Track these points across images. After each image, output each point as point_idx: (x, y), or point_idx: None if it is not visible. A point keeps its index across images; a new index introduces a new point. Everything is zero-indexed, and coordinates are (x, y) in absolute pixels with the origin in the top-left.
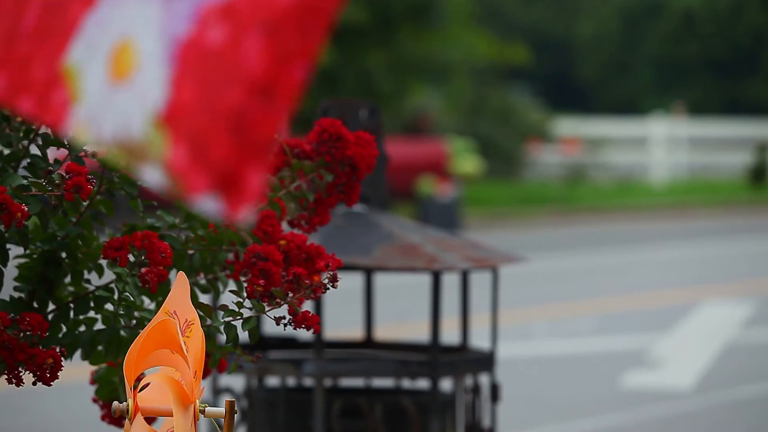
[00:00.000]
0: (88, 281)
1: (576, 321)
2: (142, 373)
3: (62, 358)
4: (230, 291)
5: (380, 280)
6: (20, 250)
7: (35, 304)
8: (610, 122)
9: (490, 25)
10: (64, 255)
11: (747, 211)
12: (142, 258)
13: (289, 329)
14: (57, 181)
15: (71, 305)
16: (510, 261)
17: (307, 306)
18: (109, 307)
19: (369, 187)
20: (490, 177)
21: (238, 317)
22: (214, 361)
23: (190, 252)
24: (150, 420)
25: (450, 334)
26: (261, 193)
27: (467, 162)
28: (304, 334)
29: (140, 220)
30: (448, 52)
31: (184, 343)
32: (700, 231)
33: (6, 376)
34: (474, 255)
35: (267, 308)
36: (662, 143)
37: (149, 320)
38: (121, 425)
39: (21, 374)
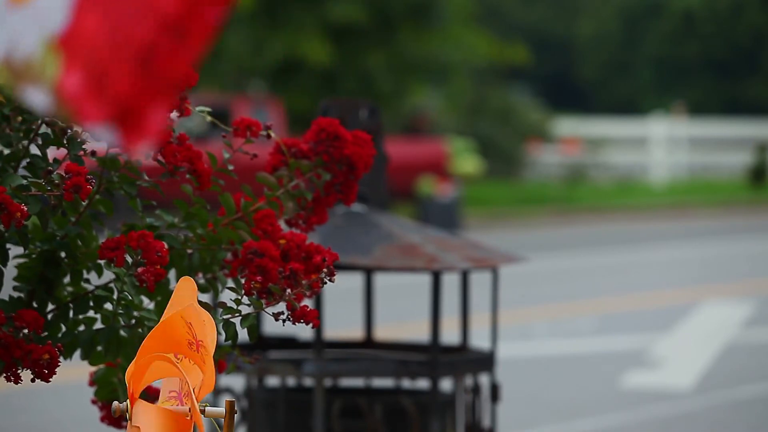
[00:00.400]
0: (88, 281)
1: (576, 321)
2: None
3: (59, 354)
4: (228, 288)
5: (380, 280)
6: (20, 250)
7: (35, 304)
8: (610, 122)
9: (490, 25)
10: (63, 255)
11: (747, 211)
12: (139, 258)
13: (289, 328)
14: (56, 181)
15: (70, 305)
16: (510, 261)
17: (306, 304)
18: (108, 306)
19: (369, 186)
20: (490, 177)
21: (237, 315)
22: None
23: (189, 251)
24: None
25: (450, 334)
26: (161, 130)
27: (467, 162)
28: (304, 334)
29: (139, 219)
30: (448, 52)
31: (197, 339)
32: (700, 231)
33: (4, 375)
34: (474, 255)
35: (265, 305)
36: (662, 143)
37: (148, 320)
38: (120, 426)
39: (19, 372)
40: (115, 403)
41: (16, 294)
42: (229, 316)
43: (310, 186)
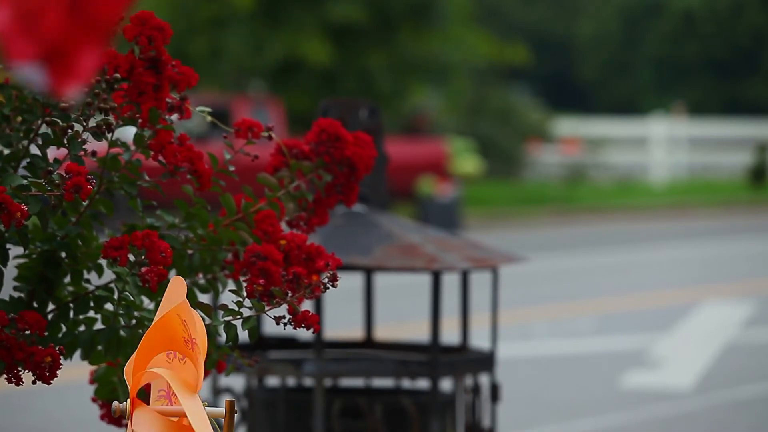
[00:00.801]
0: (88, 281)
1: (576, 321)
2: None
3: (61, 357)
4: (230, 290)
5: (380, 280)
6: (20, 250)
7: (35, 304)
8: (610, 122)
9: (490, 25)
10: (63, 255)
11: (747, 211)
12: (142, 257)
13: (289, 329)
14: (56, 181)
15: (71, 305)
16: (510, 261)
17: (307, 306)
18: (108, 306)
19: (369, 187)
20: (490, 177)
21: (238, 317)
22: (212, 362)
23: (190, 252)
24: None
25: (450, 334)
26: (92, 73)
27: (467, 162)
28: (304, 334)
29: (140, 219)
30: (448, 52)
31: (192, 336)
32: (700, 231)
33: (5, 376)
34: (474, 255)
35: (267, 308)
36: (662, 143)
37: (149, 320)
38: (120, 425)
39: (20, 373)
40: (115, 403)
41: (16, 294)
42: (230, 318)
43: (311, 187)
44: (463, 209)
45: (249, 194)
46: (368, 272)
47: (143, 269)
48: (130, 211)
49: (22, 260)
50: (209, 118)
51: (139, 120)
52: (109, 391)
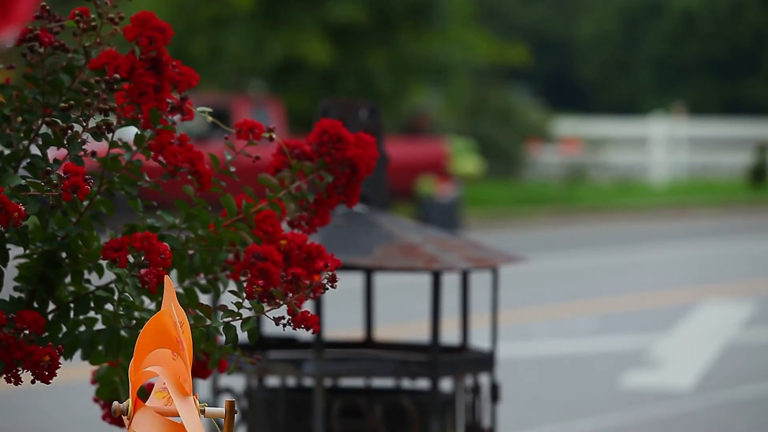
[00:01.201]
0: (88, 281)
1: (576, 321)
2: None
3: (59, 356)
4: (230, 291)
5: (380, 280)
6: (20, 250)
7: (35, 304)
8: (610, 122)
9: (490, 25)
10: (64, 255)
11: (747, 211)
12: (142, 259)
13: (289, 329)
14: (55, 182)
15: (71, 305)
16: (510, 261)
17: (307, 306)
18: (109, 307)
19: (369, 187)
20: (490, 177)
21: (238, 317)
22: (214, 362)
23: (190, 252)
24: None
25: (450, 334)
26: (28, 16)
27: (467, 162)
28: (304, 334)
29: (140, 220)
30: (448, 52)
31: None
32: (700, 231)
33: (4, 375)
34: (474, 255)
35: (266, 308)
36: (662, 143)
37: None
38: (121, 425)
39: (19, 373)
40: (115, 403)
41: (16, 294)
42: (230, 319)
43: (312, 187)
44: (463, 209)
45: (250, 195)
46: (368, 272)
47: (143, 271)
48: (131, 212)
49: (22, 260)
50: (210, 119)
51: (140, 120)
52: (110, 391)
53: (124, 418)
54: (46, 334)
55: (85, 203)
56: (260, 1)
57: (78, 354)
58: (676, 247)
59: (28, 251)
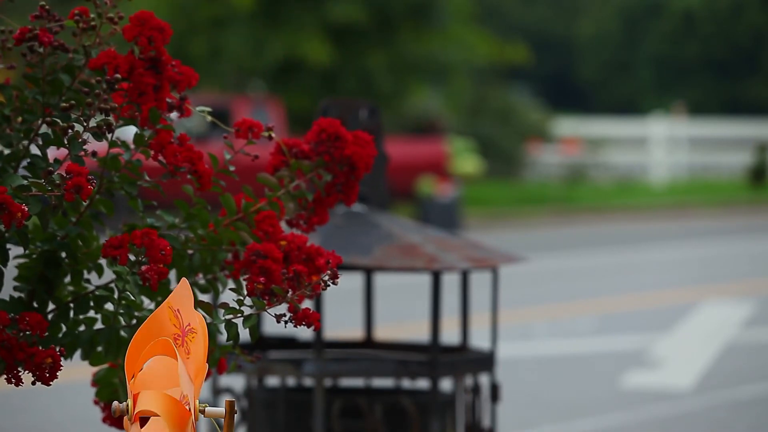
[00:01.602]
0: (88, 281)
1: (576, 321)
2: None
3: (61, 358)
4: (230, 289)
5: (380, 280)
6: (20, 250)
7: (35, 304)
8: (610, 122)
9: (490, 25)
10: (64, 255)
11: (747, 211)
12: (142, 256)
13: (289, 328)
14: (57, 182)
15: (71, 305)
16: (510, 261)
17: (307, 305)
18: (109, 306)
19: (369, 186)
20: (490, 177)
21: (239, 315)
22: (214, 361)
23: (190, 252)
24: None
25: (450, 334)
26: None
27: (467, 162)
28: (304, 334)
29: (140, 219)
30: (448, 52)
31: (186, 345)
32: (700, 231)
33: (5, 376)
34: (474, 255)
35: (267, 306)
36: (662, 143)
37: None
38: (121, 426)
39: (20, 374)
40: (115, 403)
41: (16, 294)
42: (231, 316)
43: (311, 186)
44: (463, 209)
45: (249, 194)
46: (368, 272)
47: (143, 268)
48: (131, 211)
49: (22, 260)
50: (209, 118)
51: (140, 120)
52: (110, 393)
53: (125, 418)
54: (47, 334)
55: (86, 203)
56: (260, 1)
57: (78, 354)
58: (676, 247)
59: (28, 251)
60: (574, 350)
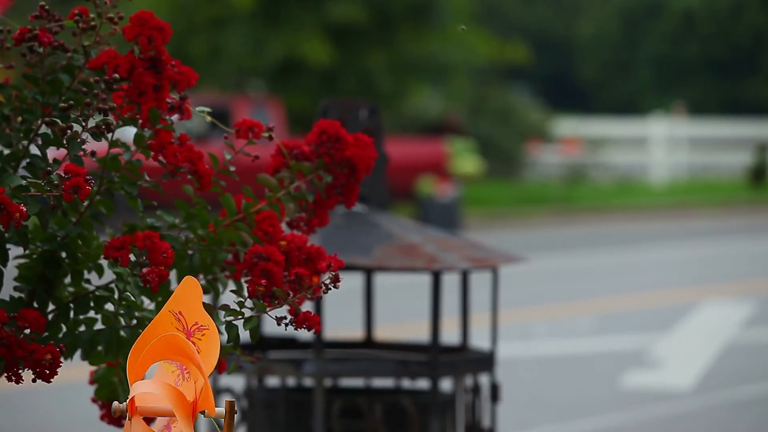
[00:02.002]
0: (88, 281)
1: (576, 321)
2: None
3: (61, 355)
4: (231, 291)
5: (380, 280)
6: (20, 250)
7: (35, 304)
8: (610, 122)
9: (490, 25)
10: (64, 255)
11: (747, 211)
12: (143, 258)
13: (290, 329)
14: (56, 182)
15: (71, 305)
16: (510, 261)
17: (307, 306)
18: (109, 307)
19: (369, 187)
20: (490, 177)
21: (239, 317)
22: None
23: (190, 252)
24: (148, 420)
25: (450, 334)
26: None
27: (467, 162)
28: (304, 334)
29: (140, 220)
30: (448, 52)
31: (195, 345)
32: (700, 231)
33: (5, 374)
34: (474, 255)
35: (268, 308)
36: (662, 143)
37: (149, 320)
38: (120, 425)
39: (20, 372)
40: (115, 403)
41: (16, 294)
42: (232, 318)
43: (311, 188)
44: (463, 209)
45: (249, 195)
46: (368, 272)
47: (144, 270)
48: (131, 211)
49: (22, 260)
50: (209, 118)
51: (140, 120)
52: (109, 392)
53: (124, 419)
54: (47, 333)
55: (85, 203)
56: (260, 1)
57: (78, 354)
58: (676, 247)
59: (28, 251)
60: (574, 350)
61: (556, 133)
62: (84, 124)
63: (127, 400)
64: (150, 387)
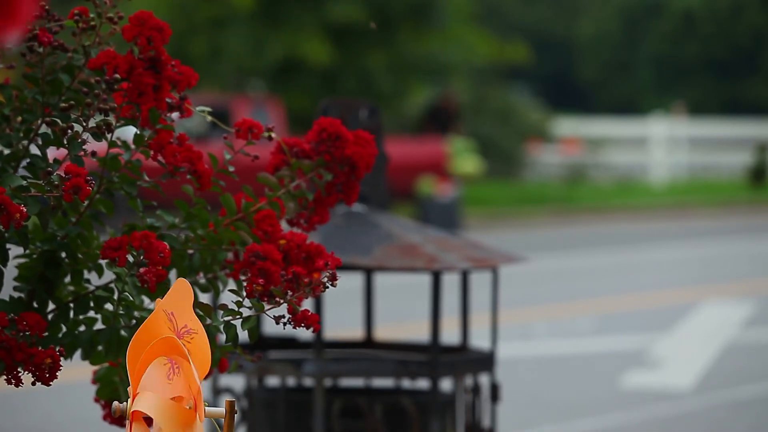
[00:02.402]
0: (88, 281)
1: (576, 321)
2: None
3: (61, 358)
4: (229, 290)
5: (380, 280)
6: (20, 250)
7: (35, 304)
8: (610, 122)
9: (490, 24)
10: (63, 255)
11: (747, 211)
12: (141, 258)
13: (289, 329)
14: (56, 182)
15: (71, 305)
16: (510, 261)
17: (307, 306)
18: (108, 307)
19: (369, 186)
20: (490, 177)
21: (238, 316)
22: (215, 361)
23: (190, 252)
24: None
25: (450, 334)
26: (29, 18)
27: (467, 162)
28: (304, 334)
29: (140, 219)
30: (448, 52)
31: (178, 327)
32: (700, 231)
33: (5, 377)
34: (474, 255)
35: (266, 307)
36: (662, 143)
37: None
38: (121, 425)
39: (20, 374)
40: (115, 403)
41: (16, 294)
42: (230, 318)
43: (312, 186)
44: (463, 209)
45: (249, 194)
46: (368, 272)
47: (142, 270)
48: (130, 211)
49: (22, 260)
50: (209, 118)
51: (139, 120)
52: (110, 391)
53: (125, 419)
54: (47, 334)
55: (85, 203)
56: (260, 1)
57: (78, 354)
58: (676, 247)
59: (28, 251)
60: (574, 350)
61: (556, 133)
62: (84, 124)
63: (128, 403)
64: (150, 408)
